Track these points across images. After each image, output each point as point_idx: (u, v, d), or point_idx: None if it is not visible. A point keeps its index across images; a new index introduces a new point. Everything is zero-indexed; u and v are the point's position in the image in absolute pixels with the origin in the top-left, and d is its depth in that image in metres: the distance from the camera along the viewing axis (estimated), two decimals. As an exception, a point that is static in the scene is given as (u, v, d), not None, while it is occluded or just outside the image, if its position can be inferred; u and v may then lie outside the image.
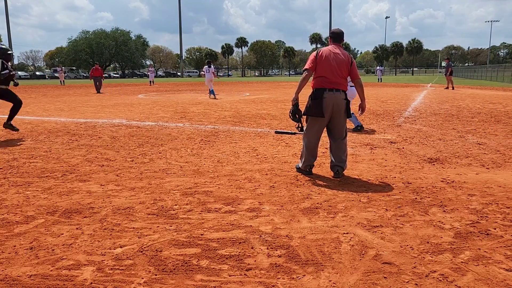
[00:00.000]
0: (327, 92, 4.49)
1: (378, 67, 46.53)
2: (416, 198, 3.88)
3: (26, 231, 3.16)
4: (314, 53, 4.70)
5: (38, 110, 12.97)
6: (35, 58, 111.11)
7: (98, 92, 23.35)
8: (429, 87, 28.09)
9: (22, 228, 3.22)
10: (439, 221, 3.29)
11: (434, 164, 5.27)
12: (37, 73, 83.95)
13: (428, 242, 2.89)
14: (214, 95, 18.27)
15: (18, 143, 6.93)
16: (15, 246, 2.88)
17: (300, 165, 4.85)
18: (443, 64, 23.95)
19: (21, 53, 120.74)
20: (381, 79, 42.07)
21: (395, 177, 4.66)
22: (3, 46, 7.56)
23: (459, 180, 4.49)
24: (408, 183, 4.40)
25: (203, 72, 18.85)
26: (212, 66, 18.94)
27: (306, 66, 4.62)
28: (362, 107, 4.83)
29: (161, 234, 3.07)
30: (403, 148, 6.34)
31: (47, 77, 72.53)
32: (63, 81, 39.45)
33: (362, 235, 3.03)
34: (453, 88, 23.62)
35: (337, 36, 4.75)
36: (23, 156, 5.89)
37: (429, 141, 6.90)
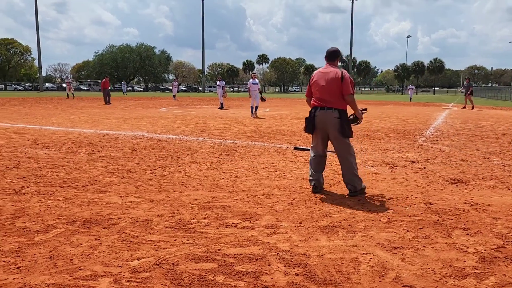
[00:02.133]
0: (319, 111, 4.61)
1: (409, 86, 44.93)
2: (438, 220, 3.78)
3: (46, 240, 3.20)
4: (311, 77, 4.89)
5: (63, 121, 13.29)
6: (62, 70, 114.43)
7: (107, 103, 25.02)
8: (451, 106, 27.65)
9: (43, 236, 3.26)
10: (463, 244, 3.19)
11: (457, 185, 5.14)
12: (64, 85, 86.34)
13: (450, 266, 2.80)
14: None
15: (43, 153, 7.09)
16: (35, 254, 2.92)
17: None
18: (464, 83, 23.42)
19: (49, 66, 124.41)
20: (411, 98, 40.24)
21: (416, 197, 4.56)
22: None
23: (483, 203, 4.36)
24: (430, 204, 4.30)
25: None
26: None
27: (306, 93, 4.97)
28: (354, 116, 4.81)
29: (178, 247, 3.07)
30: (424, 168, 6.22)
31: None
32: (72, 93, 33.86)
33: (382, 256, 2.96)
34: (472, 108, 23.36)
35: (329, 55, 4.78)
36: (47, 166, 6.01)
37: (451, 162, 6.76)
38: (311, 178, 4.79)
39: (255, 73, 22.13)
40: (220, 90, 21.61)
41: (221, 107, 21.32)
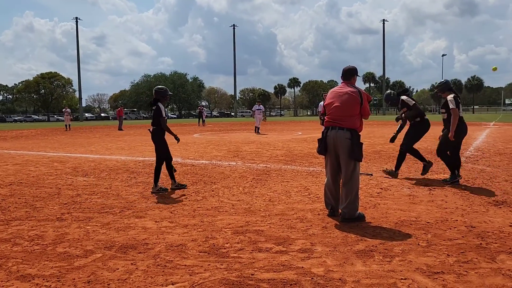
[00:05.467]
0: (330, 131, 4.51)
1: None
2: (481, 244, 3.61)
3: (84, 264, 3.28)
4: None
5: (101, 149, 13.77)
6: (101, 100, 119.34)
7: (120, 129, 27.40)
8: (492, 125, 26.65)
9: (81, 261, 3.35)
10: (509, 269, 3.02)
11: (500, 207, 4.91)
12: (102, 114, 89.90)
13: (496, 293, 2.65)
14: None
15: (82, 180, 7.35)
16: (74, 279, 3.00)
17: None
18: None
19: (89, 96, 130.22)
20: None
21: (457, 220, 4.38)
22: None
23: (530, 225, 4.13)
24: (471, 227, 4.12)
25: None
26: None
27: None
28: None
29: (212, 272, 3.07)
30: (465, 189, 5.98)
31: (110, 118, 77.30)
32: (69, 125, 29.54)
33: (421, 281, 2.85)
34: None
35: (345, 74, 4.73)
36: (86, 192, 6.22)
37: (493, 183, 6.47)
38: (326, 202, 4.71)
39: (259, 100, 23.27)
40: (259, 115, 21.67)
41: (257, 131, 21.38)
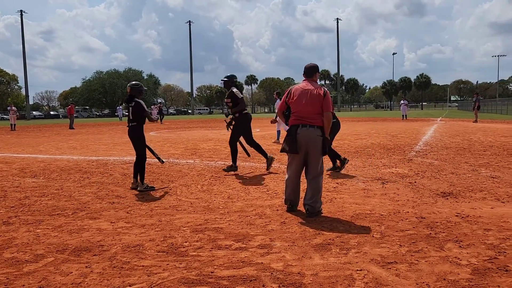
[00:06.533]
0: (301, 128, 4.52)
1: (402, 101, 34.75)
2: (430, 233, 3.79)
3: (35, 270, 3.13)
4: (286, 91, 4.81)
5: (51, 148, 13.18)
6: (50, 98, 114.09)
7: (71, 128, 26.45)
8: (439, 121, 28.05)
9: (32, 267, 3.20)
10: (456, 257, 3.20)
11: (447, 198, 5.18)
12: (52, 112, 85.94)
13: (445, 279, 2.80)
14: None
15: (31, 182, 7.00)
16: (23, 285, 2.85)
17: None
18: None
19: (37, 94, 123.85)
20: (406, 115, 32.39)
21: (408, 212, 4.58)
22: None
23: (474, 215, 4.39)
24: (422, 218, 4.32)
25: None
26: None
27: (278, 106, 4.80)
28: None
29: (171, 272, 3.02)
30: (415, 182, 6.26)
31: (60, 116, 74.11)
32: (14, 124, 27.04)
33: (376, 272, 2.95)
34: (475, 121, 24.22)
35: (308, 71, 4.77)
36: (35, 194, 5.93)
37: (441, 175, 6.82)
38: (286, 198, 4.74)
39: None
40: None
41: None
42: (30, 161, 9.78)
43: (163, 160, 6.40)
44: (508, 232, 3.78)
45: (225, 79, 7.44)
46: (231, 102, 7.40)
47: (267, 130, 21.31)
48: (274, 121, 12.36)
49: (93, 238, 3.86)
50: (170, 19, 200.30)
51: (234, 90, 7.37)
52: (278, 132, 13.94)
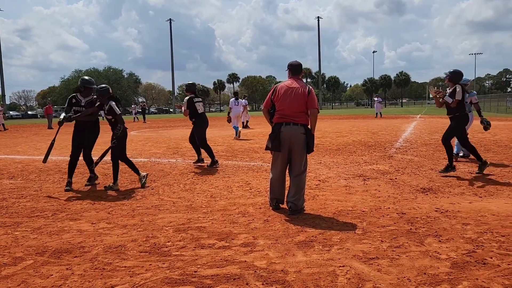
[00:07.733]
0: (284, 126, 4.53)
1: (376, 99, 33.19)
2: (411, 229, 3.86)
3: (14, 273, 3.07)
4: (272, 89, 4.79)
5: (29, 149, 12.89)
6: (27, 97, 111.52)
7: (49, 128, 25.76)
8: (418, 118, 28.53)
9: (10, 270, 3.13)
10: (435, 252, 3.26)
11: (427, 194, 5.28)
12: (29, 112, 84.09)
13: (425, 273, 2.85)
14: (238, 135, 14.51)
15: (8, 183, 6.84)
16: (2, 289, 2.79)
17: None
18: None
19: (13, 93, 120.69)
20: (380, 113, 30.85)
21: (389, 208, 4.65)
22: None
23: (453, 210, 4.49)
24: (402, 213, 4.39)
25: (230, 107, 15.63)
26: (241, 100, 16.32)
27: (263, 104, 4.83)
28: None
29: (154, 272, 3.00)
30: (395, 178, 6.36)
31: (38, 116, 72.57)
32: (3, 124, 25.63)
33: (358, 267, 2.99)
34: None
35: (294, 69, 4.78)
36: (13, 196, 5.80)
37: (421, 171, 6.94)
38: (271, 197, 4.74)
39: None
40: (236, 107, 15.82)
41: (244, 126, 18.90)
42: (7, 162, 9.55)
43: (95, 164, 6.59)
44: (485, 226, 3.87)
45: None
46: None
47: (249, 128, 21.32)
48: (229, 120, 13.30)
49: (73, 240, 3.80)
50: (151, 17, 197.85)
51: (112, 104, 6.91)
52: (236, 127, 14.81)
